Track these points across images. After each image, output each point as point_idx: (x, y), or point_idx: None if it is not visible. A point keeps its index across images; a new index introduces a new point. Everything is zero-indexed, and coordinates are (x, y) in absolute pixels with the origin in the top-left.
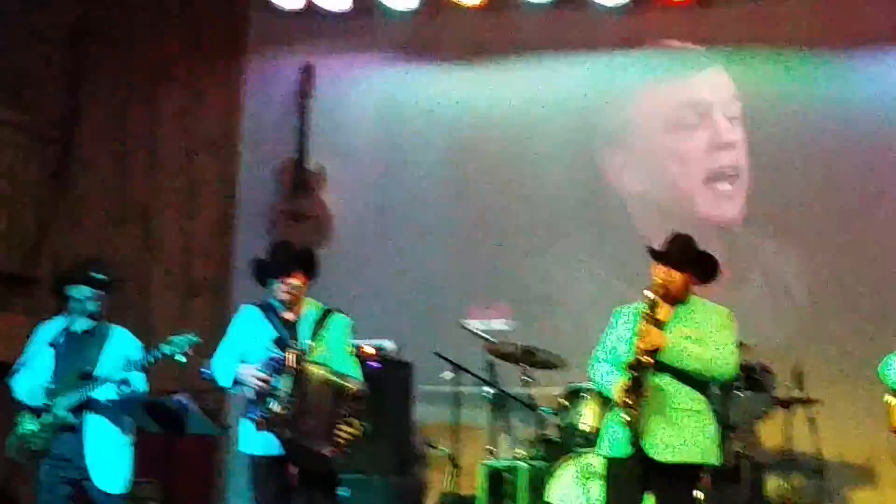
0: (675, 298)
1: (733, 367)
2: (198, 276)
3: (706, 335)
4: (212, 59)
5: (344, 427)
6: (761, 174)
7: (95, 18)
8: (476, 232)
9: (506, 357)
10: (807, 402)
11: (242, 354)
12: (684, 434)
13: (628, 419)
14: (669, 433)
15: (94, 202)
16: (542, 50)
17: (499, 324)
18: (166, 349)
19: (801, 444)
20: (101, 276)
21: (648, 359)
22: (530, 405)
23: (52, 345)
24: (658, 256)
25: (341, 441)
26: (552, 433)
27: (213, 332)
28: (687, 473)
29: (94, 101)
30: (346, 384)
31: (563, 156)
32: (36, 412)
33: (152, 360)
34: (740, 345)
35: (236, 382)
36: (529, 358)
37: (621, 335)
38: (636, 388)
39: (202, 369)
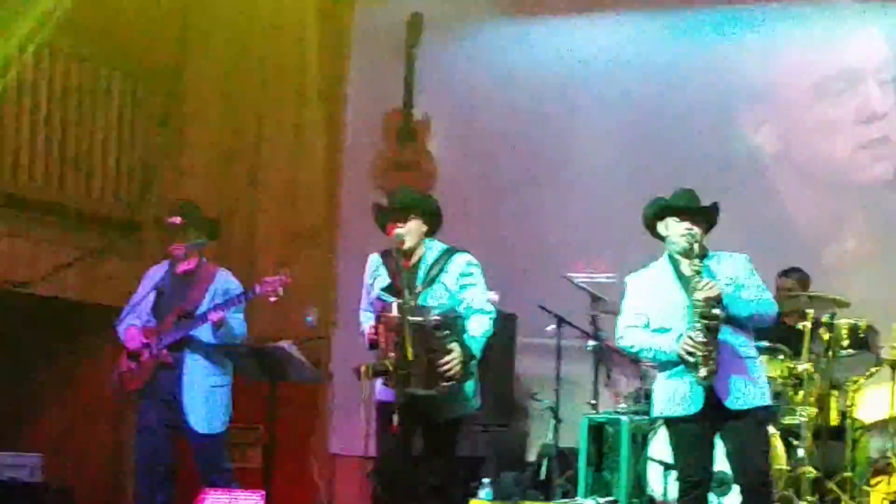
0: (699, 253)
1: (775, 306)
2: (303, 222)
3: (741, 282)
4: (320, 6)
5: (442, 361)
6: None
7: None
8: (581, 183)
9: (610, 310)
10: None
11: (371, 303)
12: (753, 379)
13: (707, 373)
14: (741, 380)
15: (201, 148)
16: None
17: (603, 277)
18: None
19: None
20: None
21: (717, 310)
22: (633, 359)
23: (155, 286)
24: (680, 212)
25: (447, 371)
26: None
27: (317, 278)
28: (759, 417)
29: (200, 47)
30: (423, 318)
31: (692, 109)
32: (136, 351)
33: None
34: (845, 303)
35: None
36: None
37: (651, 297)
38: (712, 339)
39: (307, 317)
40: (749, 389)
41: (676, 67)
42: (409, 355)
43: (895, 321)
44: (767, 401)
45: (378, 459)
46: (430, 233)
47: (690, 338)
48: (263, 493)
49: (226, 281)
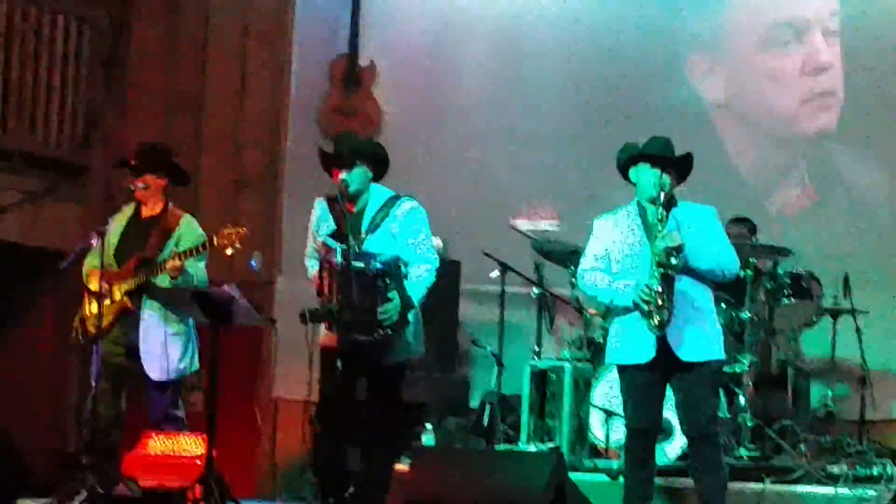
0: (668, 202)
1: (738, 263)
2: (247, 168)
3: (705, 234)
4: None
5: (380, 309)
6: (856, 84)
7: None
8: (527, 130)
9: (553, 258)
10: (853, 311)
11: (316, 249)
12: (707, 332)
13: (660, 322)
14: (694, 332)
15: (146, 91)
16: None
17: (547, 224)
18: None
19: (847, 353)
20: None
21: (675, 261)
22: (577, 307)
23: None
24: (651, 159)
25: (384, 320)
26: (598, 335)
27: (261, 223)
28: (711, 370)
29: None
30: (365, 266)
31: (639, 58)
32: (98, 295)
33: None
34: (787, 252)
35: None
36: (577, 259)
37: (616, 242)
38: (667, 289)
39: (251, 261)
40: (703, 342)
41: (625, 17)
42: (351, 302)
43: (836, 271)
44: (721, 354)
45: (320, 404)
46: (376, 179)
47: (647, 286)
48: (206, 436)
49: (189, 229)
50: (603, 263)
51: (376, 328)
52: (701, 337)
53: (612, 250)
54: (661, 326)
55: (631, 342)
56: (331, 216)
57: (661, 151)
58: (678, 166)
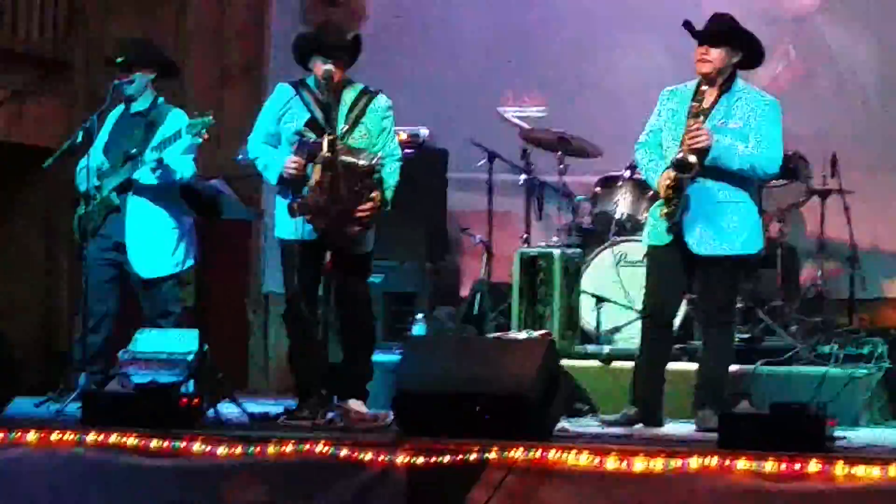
0: (718, 83)
1: (779, 162)
2: (232, 62)
3: (752, 127)
4: None
5: (363, 207)
6: None
7: None
8: (513, 15)
9: (541, 144)
10: (841, 191)
11: (276, 135)
12: (725, 227)
13: (667, 213)
14: (710, 227)
15: None
16: None
17: (534, 110)
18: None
19: (835, 232)
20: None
21: (695, 161)
22: (565, 193)
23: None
24: (695, 33)
25: (363, 217)
26: (587, 221)
27: (248, 116)
28: (729, 265)
29: None
30: (356, 160)
31: None
32: (90, 194)
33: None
34: None
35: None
36: (565, 145)
37: (667, 120)
38: (679, 185)
39: (238, 155)
40: (719, 237)
41: None
42: (338, 195)
43: (824, 150)
44: (741, 250)
45: (288, 299)
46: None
47: (665, 175)
48: (197, 331)
49: (175, 122)
50: (655, 138)
51: (355, 223)
52: (717, 232)
53: (662, 125)
54: (669, 217)
55: (657, 224)
56: (300, 104)
57: (704, 29)
58: (732, 44)
